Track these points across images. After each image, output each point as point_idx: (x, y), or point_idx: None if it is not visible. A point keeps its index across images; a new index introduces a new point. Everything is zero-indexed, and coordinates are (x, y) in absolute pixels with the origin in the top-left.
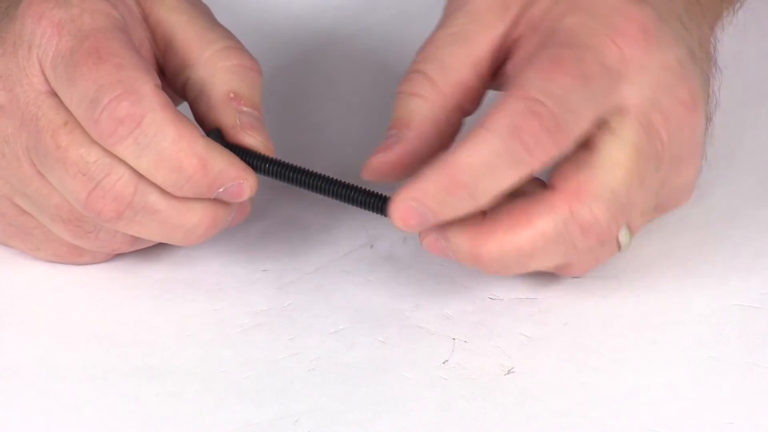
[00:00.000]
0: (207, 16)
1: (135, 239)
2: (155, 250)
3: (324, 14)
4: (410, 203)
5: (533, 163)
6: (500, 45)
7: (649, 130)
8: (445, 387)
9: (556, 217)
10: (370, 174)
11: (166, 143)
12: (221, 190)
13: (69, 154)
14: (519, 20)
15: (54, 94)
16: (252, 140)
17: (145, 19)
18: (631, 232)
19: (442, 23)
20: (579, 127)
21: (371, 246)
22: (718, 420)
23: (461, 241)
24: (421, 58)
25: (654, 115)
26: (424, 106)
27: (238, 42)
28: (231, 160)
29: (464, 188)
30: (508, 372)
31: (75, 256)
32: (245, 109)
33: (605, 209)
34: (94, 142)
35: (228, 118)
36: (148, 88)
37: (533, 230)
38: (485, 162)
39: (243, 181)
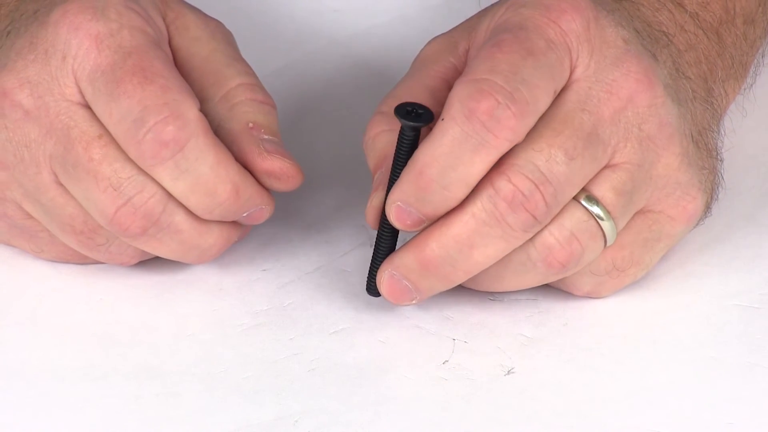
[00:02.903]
0: (227, 47)
1: (143, 253)
2: None
3: (324, 17)
4: (397, 204)
5: (498, 142)
6: (454, 71)
7: (585, 104)
8: (445, 387)
9: (481, 196)
10: (374, 220)
11: (205, 169)
12: (245, 215)
13: (102, 168)
14: (469, 51)
15: (87, 106)
16: (279, 163)
17: (169, 41)
18: (613, 217)
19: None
20: (537, 99)
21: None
22: (718, 420)
23: (407, 255)
24: (381, 103)
25: (595, 89)
26: (394, 138)
27: (255, 78)
28: (258, 187)
29: (435, 182)
30: (508, 372)
31: (79, 257)
32: (266, 136)
33: (523, 178)
34: (128, 158)
35: (252, 145)
36: (192, 113)
37: (464, 214)
38: (448, 152)
39: (264, 207)
